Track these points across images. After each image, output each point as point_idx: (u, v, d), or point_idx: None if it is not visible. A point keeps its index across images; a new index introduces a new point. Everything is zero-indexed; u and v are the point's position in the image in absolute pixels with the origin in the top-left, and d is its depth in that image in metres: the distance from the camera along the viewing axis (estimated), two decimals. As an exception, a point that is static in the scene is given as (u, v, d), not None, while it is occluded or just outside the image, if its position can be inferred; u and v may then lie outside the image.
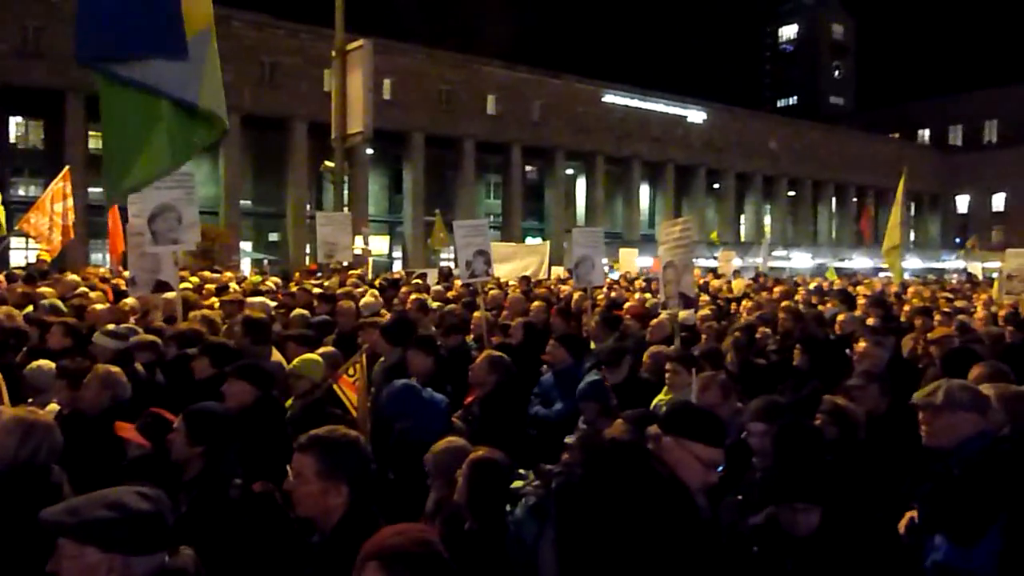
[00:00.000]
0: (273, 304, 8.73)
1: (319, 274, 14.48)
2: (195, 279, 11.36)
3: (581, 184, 51.73)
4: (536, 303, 9.09)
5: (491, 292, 10.56)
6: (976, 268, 32.07)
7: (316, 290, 10.05)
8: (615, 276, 19.94)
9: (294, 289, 10.74)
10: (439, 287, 12.01)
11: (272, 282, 12.85)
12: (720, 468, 2.87)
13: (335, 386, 5.15)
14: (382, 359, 6.00)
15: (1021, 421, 3.49)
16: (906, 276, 31.75)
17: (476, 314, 8.26)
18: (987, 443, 3.25)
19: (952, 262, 49.24)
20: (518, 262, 15.78)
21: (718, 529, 3.13)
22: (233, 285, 11.54)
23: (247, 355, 5.35)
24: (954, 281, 28.15)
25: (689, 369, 5.36)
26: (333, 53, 15.83)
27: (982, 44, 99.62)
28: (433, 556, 1.96)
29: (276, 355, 5.85)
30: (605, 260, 12.69)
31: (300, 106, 37.25)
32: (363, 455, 2.71)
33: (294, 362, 5.20)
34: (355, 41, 15.68)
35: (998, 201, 66.51)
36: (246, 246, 38.98)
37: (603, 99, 49.10)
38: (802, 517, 2.79)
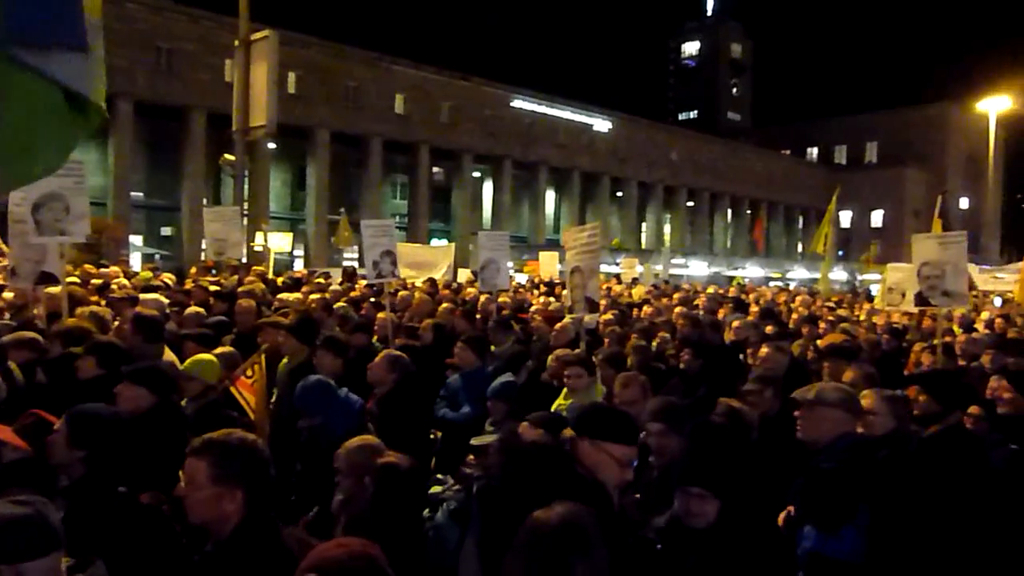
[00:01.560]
0: (167, 302, 8.35)
1: (215, 271, 13.94)
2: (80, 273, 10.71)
3: (488, 187, 51.93)
4: (444, 305, 9.06)
5: (401, 294, 10.46)
6: (857, 279, 34.05)
7: (213, 288, 9.68)
8: (521, 280, 20.10)
9: (189, 286, 10.30)
10: (337, 287, 11.78)
11: (166, 278, 12.27)
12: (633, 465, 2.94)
13: (232, 388, 4.98)
14: (286, 360, 5.85)
15: (903, 422, 3.77)
16: (792, 286, 33.48)
17: (381, 315, 8.16)
18: (855, 440, 3.51)
19: (836, 273, 52.18)
20: (424, 263, 15.67)
21: (627, 527, 3.20)
22: (122, 280, 10.95)
23: (138, 354, 5.09)
24: (837, 292, 29.72)
25: (591, 372, 5.46)
26: (236, 42, 15.29)
27: (865, 71, 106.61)
28: (373, 569, 1.92)
29: (169, 355, 5.59)
30: (511, 264, 12.79)
31: (199, 95, 35.78)
32: (260, 459, 2.59)
33: (186, 363, 4.99)
34: (260, 31, 15.19)
35: (877, 217, 70.95)
36: (136, 240, 37.06)
37: (511, 104, 49.48)
38: (697, 504, 2.88)
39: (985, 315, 12.34)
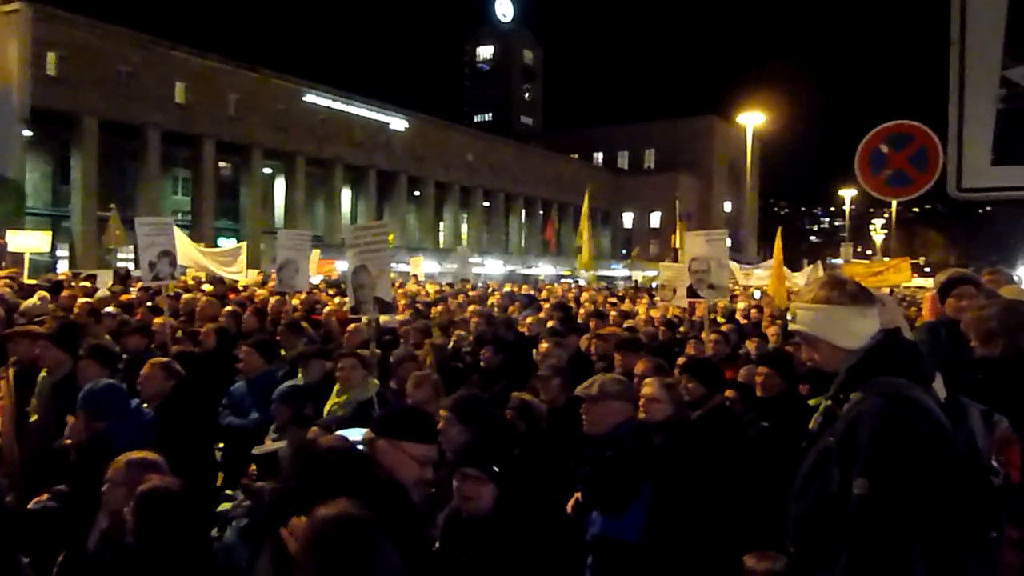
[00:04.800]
0: None
1: (-44, 274, 12.17)
2: None
3: (280, 184, 49.88)
4: (227, 308, 8.58)
5: (185, 297, 9.74)
6: (639, 276, 36.70)
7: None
8: (315, 280, 19.53)
9: (-80, 292, 8.92)
10: (106, 292, 10.77)
11: None
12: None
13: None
14: (45, 373, 5.24)
15: (680, 407, 4.11)
16: (582, 283, 35.46)
17: (157, 319, 7.59)
18: (634, 426, 3.78)
19: (619, 271, 56.01)
20: (211, 263, 14.73)
21: (429, 523, 3.21)
22: None
23: None
24: (621, 288, 31.87)
25: (365, 366, 5.38)
26: (-22, 15, 13.46)
27: (645, 84, 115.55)
28: None
29: None
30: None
31: (-68, 73, 31.09)
32: None
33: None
34: (10, 3, 13.48)
35: (655, 219, 76.91)
36: None
37: (304, 98, 47.81)
38: (472, 487, 2.93)
39: (742, 305, 13.80)
